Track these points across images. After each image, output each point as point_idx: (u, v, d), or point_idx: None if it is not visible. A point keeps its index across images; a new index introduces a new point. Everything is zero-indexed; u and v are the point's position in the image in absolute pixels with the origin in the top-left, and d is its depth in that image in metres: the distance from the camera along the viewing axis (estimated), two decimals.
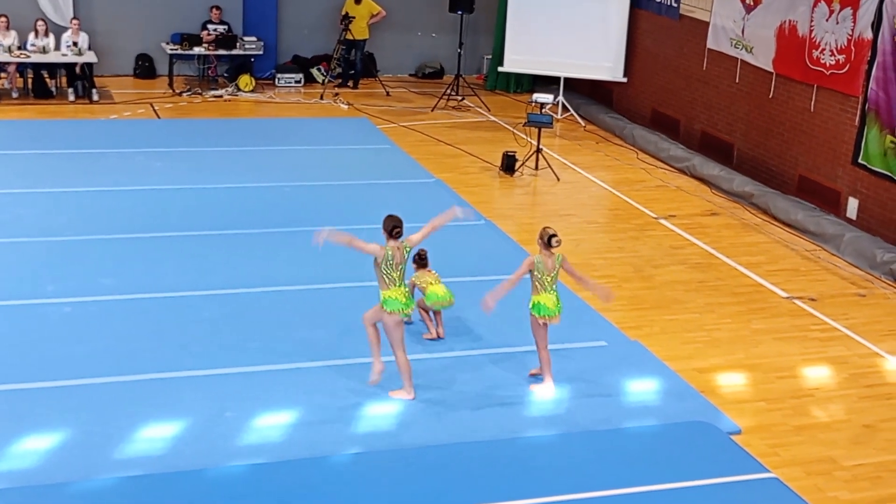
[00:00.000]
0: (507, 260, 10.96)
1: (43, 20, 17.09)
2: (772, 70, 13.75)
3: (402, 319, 7.97)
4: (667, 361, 8.89)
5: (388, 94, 18.68)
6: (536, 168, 14.46)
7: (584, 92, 18.30)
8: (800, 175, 13.25)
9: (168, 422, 7.54)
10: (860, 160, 12.12)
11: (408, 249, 7.95)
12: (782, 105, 13.63)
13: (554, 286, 8.15)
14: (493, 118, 17.36)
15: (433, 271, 9.14)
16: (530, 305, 8.19)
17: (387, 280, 7.86)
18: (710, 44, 15.05)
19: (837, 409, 8.38)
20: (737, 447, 7.59)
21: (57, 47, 16.97)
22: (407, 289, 8.07)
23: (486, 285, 10.18)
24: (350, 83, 19.06)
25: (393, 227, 7.86)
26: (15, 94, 16.85)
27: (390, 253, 7.82)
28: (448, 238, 11.05)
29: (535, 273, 8.09)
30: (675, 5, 15.94)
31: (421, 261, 9.12)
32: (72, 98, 16.92)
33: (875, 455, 7.69)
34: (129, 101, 17.06)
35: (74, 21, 17.24)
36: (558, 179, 14.15)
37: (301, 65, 19.35)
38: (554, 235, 8.02)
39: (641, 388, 8.52)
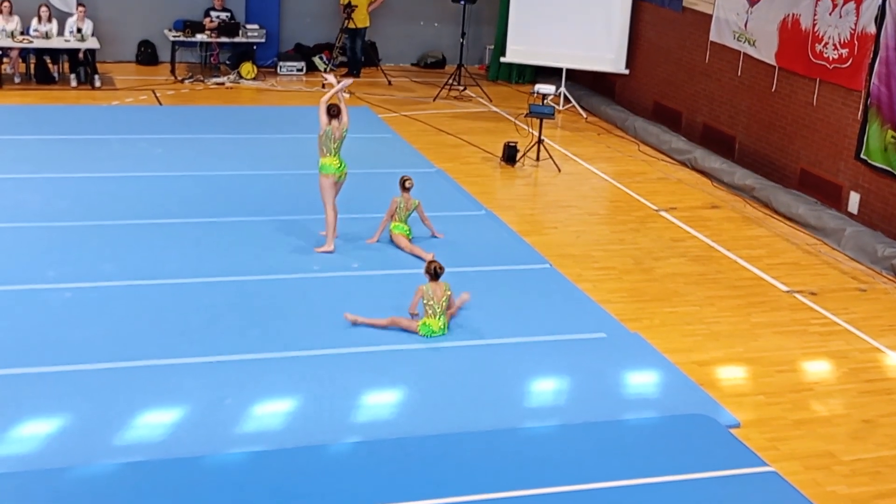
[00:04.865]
0: (509, 250, 10.99)
1: (46, 6, 17.06)
2: (774, 64, 13.72)
3: (335, 181, 10.29)
4: (666, 354, 8.88)
5: (389, 83, 18.66)
6: (538, 159, 14.45)
7: (586, 83, 18.28)
8: (801, 169, 13.24)
9: (167, 408, 7.55)
10: (862, 155, 12.11)
11: (345, 129, 10.24)
12: (784, 99, 13.62)
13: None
14: (494, 108, 17.34)
15: (444, 284, 8.92)
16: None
17: (325, 149, 10.23)
18: (713, 36, 15.02)
19: (837, 403, 8.37)
20: (736, 440, 7.58)
21: (60, 33, 16.96)
22: (341, 159, 10.30)
23: (488, 276, 10.26)
24: (353, 72, 19.04)
25: (329, 108, 10.16)
26: (17, 80, 16.83)
27: (330, 129, 10.16)
28: (449, 228, 11.10)
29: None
30: None
31: (435, 274, 8.92)
32: (74, 84, 16.90)
33: (874, 450, 7.69)
34: (131, 88, 17.04)
35: (81, 8, 17.22)
36: (559, 170, 14.14)
37: (303, 53, 19.33)
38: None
39: (641, 381, 8.52)
